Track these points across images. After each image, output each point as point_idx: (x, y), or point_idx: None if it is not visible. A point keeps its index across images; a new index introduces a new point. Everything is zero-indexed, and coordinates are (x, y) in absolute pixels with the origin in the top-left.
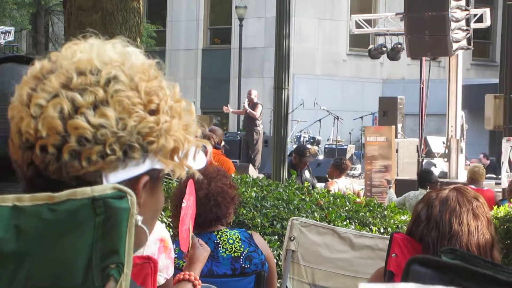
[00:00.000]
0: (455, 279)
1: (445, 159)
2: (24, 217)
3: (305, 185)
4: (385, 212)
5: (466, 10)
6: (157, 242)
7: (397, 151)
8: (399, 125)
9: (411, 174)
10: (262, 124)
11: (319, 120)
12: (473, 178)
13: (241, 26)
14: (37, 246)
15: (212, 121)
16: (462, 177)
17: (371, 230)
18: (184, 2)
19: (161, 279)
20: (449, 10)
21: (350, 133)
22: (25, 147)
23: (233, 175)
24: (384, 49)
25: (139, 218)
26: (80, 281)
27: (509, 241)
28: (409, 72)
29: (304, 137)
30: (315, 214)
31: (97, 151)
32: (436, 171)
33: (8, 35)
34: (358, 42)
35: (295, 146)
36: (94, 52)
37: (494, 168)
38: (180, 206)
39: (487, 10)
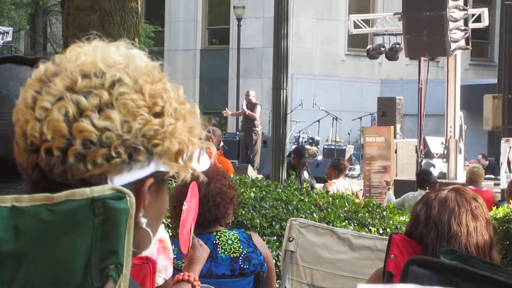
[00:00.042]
0: (454, 280)
1: (444, 160)
2: (22, 217)
3: (304, 185)
4: (384, 213)
5: (464, 10)
6: (156, 243)
7: (396, 151)
8: (398, 126)
9: (410, 174)
10: (261, 124)
11: (318, 121)
12: (472, 178)
13: (239, 26)
14: (36, 246)
15: (211, 122)
16: (461, 178)
17: (370, 230)
18: (182, 2)
19: (160, 280)
20: (447, 10)
21: (349, 133)
22: (30, 150)
23: (232, 175)
24: (383, 49)
25: (144, 220)
26: (79, 282)
27: (508, 242)
28: (407, 72)
29: (303, 137)
30: (314, 214)
31: (102, 154)
32: (435, 172)
33: (6, 36)
34: (357, 42)
35: (294, 146)
36: (98, 55)
37: (493, 169)
38: (179, 207)
39: (485, 10)
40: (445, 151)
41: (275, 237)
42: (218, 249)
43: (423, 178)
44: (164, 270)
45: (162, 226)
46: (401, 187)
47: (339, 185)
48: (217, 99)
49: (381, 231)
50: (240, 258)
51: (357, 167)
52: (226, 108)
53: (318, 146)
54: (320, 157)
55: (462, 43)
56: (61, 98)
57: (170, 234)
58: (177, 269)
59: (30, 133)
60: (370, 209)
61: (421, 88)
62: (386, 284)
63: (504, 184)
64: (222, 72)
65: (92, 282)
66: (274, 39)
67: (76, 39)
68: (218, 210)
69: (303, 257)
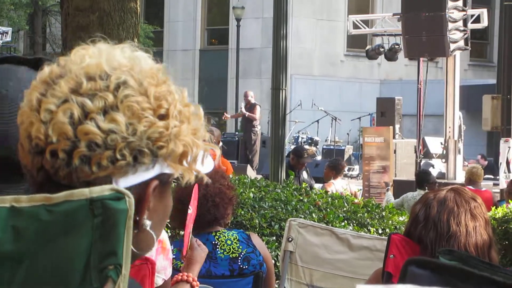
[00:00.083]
0: (452, 280)
1: (443, 160)
2: (21, 218)
3: (303, 186)
4: (383, 213)
5: (463, 10)
6: (155, 243)
7: (395, 151)
8: (397, 126)
9: (409, 175)
10: (260, 125)
11: (317, 121)
12: (471, 179)
13: (238, 26)
14: (35, 247)
15: (210, 122)
16: (460, 178)
17: (369, 231)
18: (182, 2)
19: (159, 280)
20: (446, 10)
21: (348, 133)
22: (35, 152)
23: (231, 176)
24: (382, 49)
25: (148, 223)
26: (78, 282)
27: (507, 242)
28: (406, 72)
29: (302, 137)
30: (313, 215)
31: (107, 156)
32: (434, 172)
33: (5, 36)
34: (356, 42)
35: (293, 147)
36: (103, 57)
37: (492, 169)
38: (178, 207)
39: (484, 10)
40: (444, 151)
41: (274, 237)
42: (217, 249)
43: (422, 178)
44: (163, 271)
45: None
46: (400, 187)
47: (337, 185)
48: (216, 99)
49: (380, 231)
50: (239, 258)
51: (356, 167)
52: (225, 113)
53: (317, 146)
54: (319, 157)
55: (461, 43)
56: (66, 100)
57: (169, 234)
58: (176, 270)
59: (35, 135)
60: (369, 209)
61: (420, 88)
62: (385, 285)
63: (503, 184)
64: (221, 73)
65: (91, 283)
66: (273, 39)
67: (75, 39)
68: (217, 211)
69: (302, 257)
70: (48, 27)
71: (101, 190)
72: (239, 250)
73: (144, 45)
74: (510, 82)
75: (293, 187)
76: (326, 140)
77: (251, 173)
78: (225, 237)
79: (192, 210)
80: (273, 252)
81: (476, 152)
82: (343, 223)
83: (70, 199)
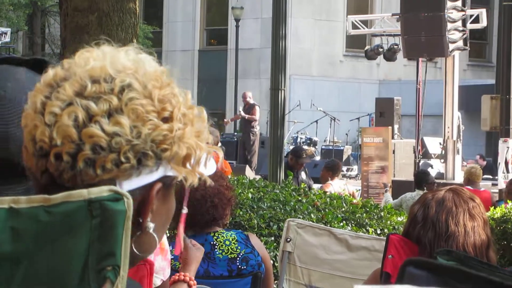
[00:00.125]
0: (450, 281)
1: (442, 160)
2: (20, 219)
3: (302, 186)
4: (382, 213)
5: (462, 10)
6: None
7: (393, 152)
8: (396, 126)
9: (407, 175)
10: (259, 125)
11: (316, 121)
12: (470, 179)
13: (237, 27)
14: (33, 248)
15: (209, 122)
16: (459, 178)
17: (367, 231)
18: (180, 3)
19: (157, 281)
20: (445, 10)
21: (346, 134)
22: (39, 155)
23: (229, 176)
24: (381, 50)
25: (151, 225)
26: (76, 283)
27: (505, 242)
28: (405, 73)
29: (301, 138)
30: (312, 215)
31: (112, 159)
32: (432, 172)
33: (4, 36)
34: (355, 43)
35: (291, 147)
36: (108, 60)
37: (490, 169)
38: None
39: (483, 10)
40: (443, 152)
41: (272, 238)
42: (216, 249)
43: (421, 178)
44: (162, 271)
45: None
46: (399, 187)
47: (335, 186)
48: (215, 99)
49: (378, 232)
50: (238, 258)
51: (355, 167)
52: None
53: (316, 147)
54: (318, 158)
55: (460, 43)
56: (70, 103)
57: (168, 235)
58: (174, 270)
59: (39, 138)
60: (367, 209)
61: (419, 88)
62: (383, 285)
63: (502, 185)
64: (220, 73)
65: (89, 284)
66: (272, 39)
67: (74, 40)
68: (216, 211)
69: (301, 257)
70: (47, 27)
71: (99, 191)
72: (237, 250)
73: (143, 45)
74: (509, 82)
75: (291, 188)
76: (325, 141)
77: (249, 173)
78: (224, 238)
79: (186, 210)
80: (272, 253)
81: (475, 152)
82: (341, 224)
83: (68, 200)
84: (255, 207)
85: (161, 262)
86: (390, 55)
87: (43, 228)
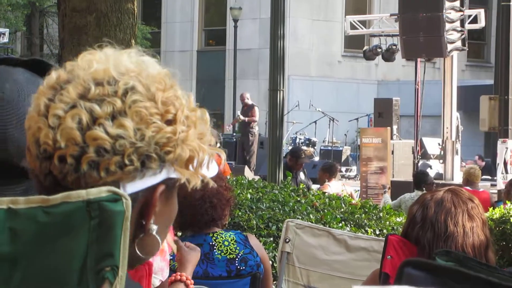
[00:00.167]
0: (449, 282)
1: (441, 161)
2: (18, 219)
3: (301, 187)
4: (381, 214)
5: (460, 11)
6: None
7: (392, 152)
8: (395, 127)
9: (406, 175)
10: (258, 125)
11: (315, 122)
12: (469, 179)
13: (235, 27)
14: (32, 248)
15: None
16: (458, 179)
17: (366, 232)
18: (179, 3)
19: (156, 282)
20: (444, 11)
21: (345, 134)
22: (43, 157)
23: (228, 177)
24: (379, 50)
25: (154, 227)
26: (75, 284)
27: (504, 243)
28: (404, 73)
29: (300, 138)
30: (311, 216)
31: (116, 161)
32: (431, 173)
33: (2, 37)
34: (353, 43)
35: (290, 147)
36: (111, 62)
37: (489, 170)
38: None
39: (482, 11)
40: (442, 152)
41: (271, 238)
42: (215, 250)
43: (420, 179)
44: (160, 272)
45: None
46: (397, 188)
47: (333, 187)
48: (213, 100)
49: (377, 232)
50: (237, 259)
51: (354, 168)
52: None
53: (315, 147)
54: (316, 158)
55: (458, 44)
56: (74, 106)
57: None
58: (173, 271)
59: (43, 141)
60: (366, 210)
61: (417, 89)
62: (382, 286)
63: (500, 185)
64: (219, 73)
65: (87, 284)
66: (270, 40)
67: (73, 40)
68: (214, 212)
69: (300, 258)
70: (45, 28)
71: (98, 192)
72: (236, 251)
73: (141, 46)
74: (508, 83)
75: (290, 188)
76: (323, 141)
77: (248, 174)
78: (223, 238)
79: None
80: (271, 253)
81: (474, 153)
82: (340, 224)
83: (67, 201)
84: (254, 207)
85: (159, 263)
86: (388, 56)
87: (41, 229)
